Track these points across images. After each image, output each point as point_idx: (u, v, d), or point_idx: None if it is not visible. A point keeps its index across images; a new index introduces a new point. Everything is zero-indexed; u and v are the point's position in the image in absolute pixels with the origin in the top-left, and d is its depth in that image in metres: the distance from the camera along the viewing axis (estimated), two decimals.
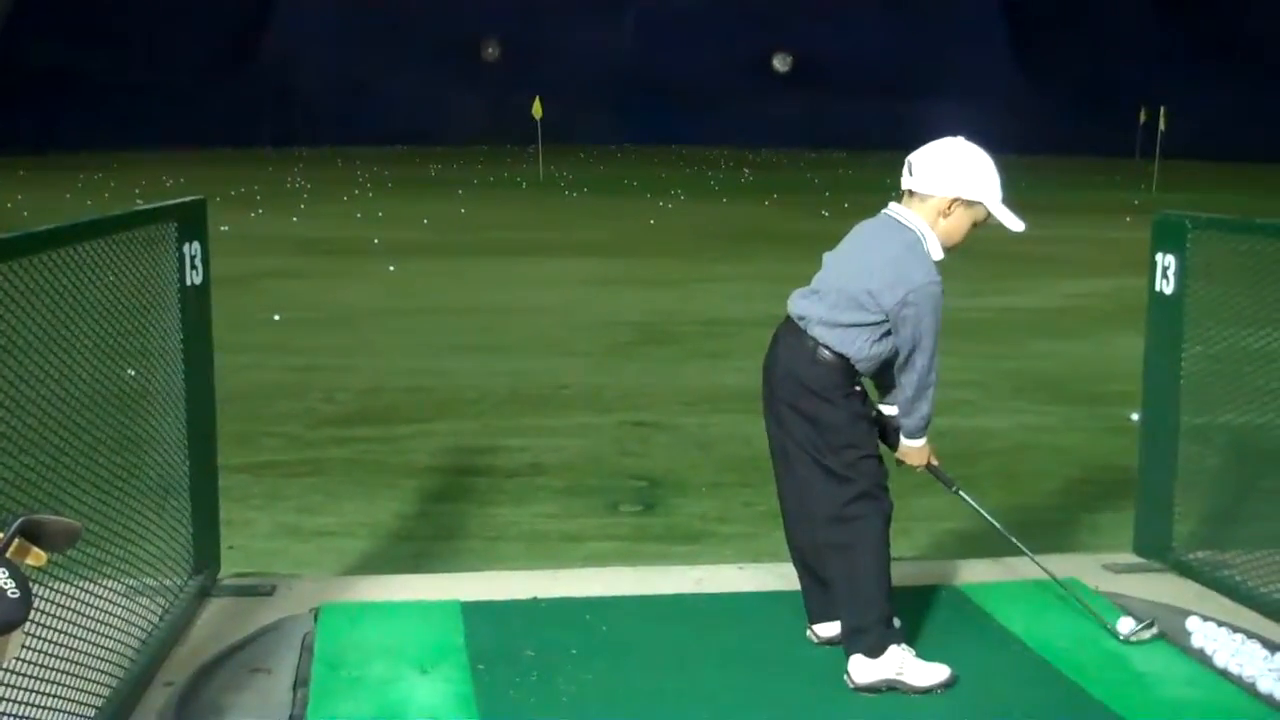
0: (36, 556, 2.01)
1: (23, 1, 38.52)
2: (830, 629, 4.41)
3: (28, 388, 3.53)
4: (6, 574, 1.85)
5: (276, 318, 12.85)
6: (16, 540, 1.96)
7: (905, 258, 4.07)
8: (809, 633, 4.50)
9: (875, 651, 4.11)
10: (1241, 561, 5.06)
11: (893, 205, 4.23)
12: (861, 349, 4.09)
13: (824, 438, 4.13)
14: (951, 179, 4.13)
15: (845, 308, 4.09)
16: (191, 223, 4.77)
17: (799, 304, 4.21)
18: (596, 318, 13.31)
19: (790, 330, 4.21)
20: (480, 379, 10.29)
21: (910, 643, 4.25)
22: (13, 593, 1.83)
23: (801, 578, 4.50)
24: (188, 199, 4.85)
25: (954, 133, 4.29)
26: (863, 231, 4.28)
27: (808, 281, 4.28)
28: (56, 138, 37.50)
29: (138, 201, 23.08)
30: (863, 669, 4.11)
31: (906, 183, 4.19)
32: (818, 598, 4.42)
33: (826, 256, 4.28)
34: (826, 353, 4.11)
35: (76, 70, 38.52)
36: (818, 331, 4.12)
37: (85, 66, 38.69)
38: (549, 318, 13.34)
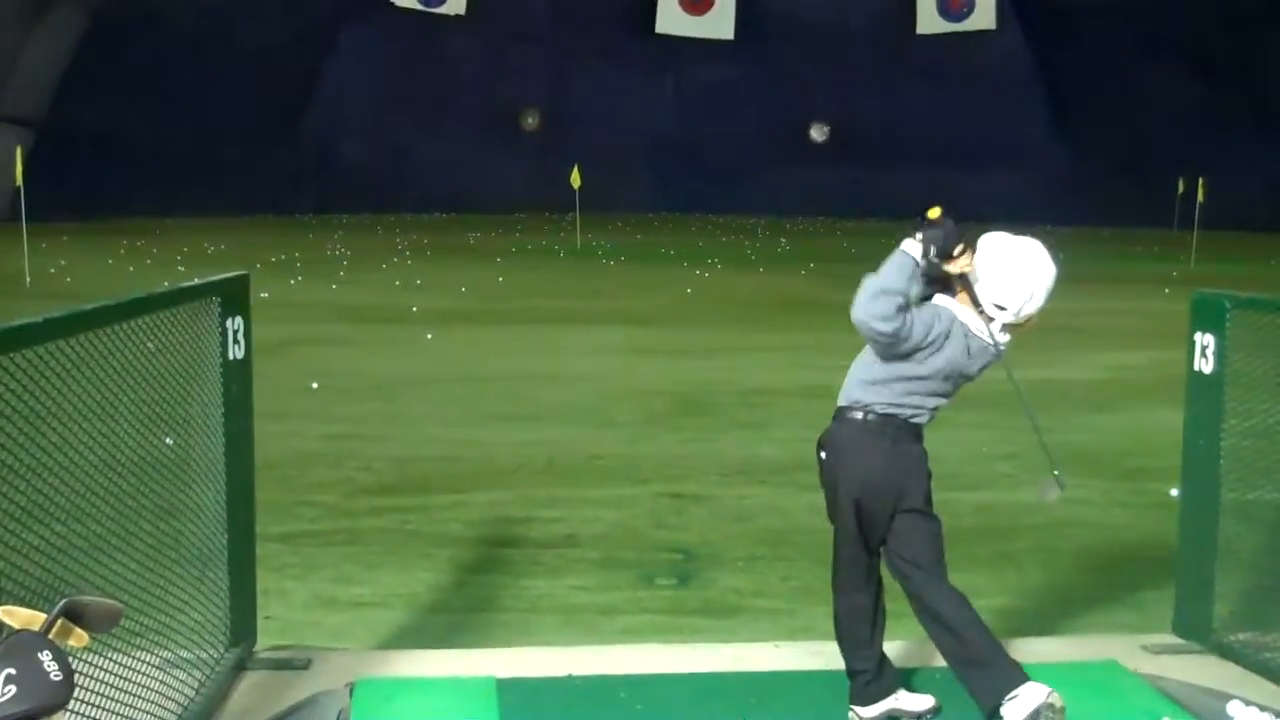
0: (79, 638, 2.02)
1: (69, 68, 39.13)
2: (871, 710, 4.42)
3: (70, 456, 3.57)
4: (50, 656, 1.86)
5: (314, 385, 12.91)
6: (60, 621, 1.97)
7: None
8: (851, 714, 4.49)
9: None
10: None
11: None
12: None
13: None
14: None
15: None
16: (235, 298, 4.83)
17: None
18: (633, 387, 13.32)
19: None
20: (516, 449, 10.30)
21: None
22: (55, 675, 1.84)
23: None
24: (231, 275, 4.91)
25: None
26: None
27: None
28: (100, 203, 37.90)
29: (179, 268, 23.33)
30: None
31: None
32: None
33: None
34: None
35: (121, 136, 39.01)
36: None
37: (130, 133, 39.18)
38: (586, 387, 13.35)
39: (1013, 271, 4.29)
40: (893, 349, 4.20)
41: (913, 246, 4.20)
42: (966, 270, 4.28)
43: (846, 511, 4.35)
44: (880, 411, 4.30)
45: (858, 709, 4.47)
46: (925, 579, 4.33)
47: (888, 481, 4.31)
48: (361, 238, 35.60)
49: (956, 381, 4.36)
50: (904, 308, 4.14)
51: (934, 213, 4.20)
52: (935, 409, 4.41)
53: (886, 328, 4.12)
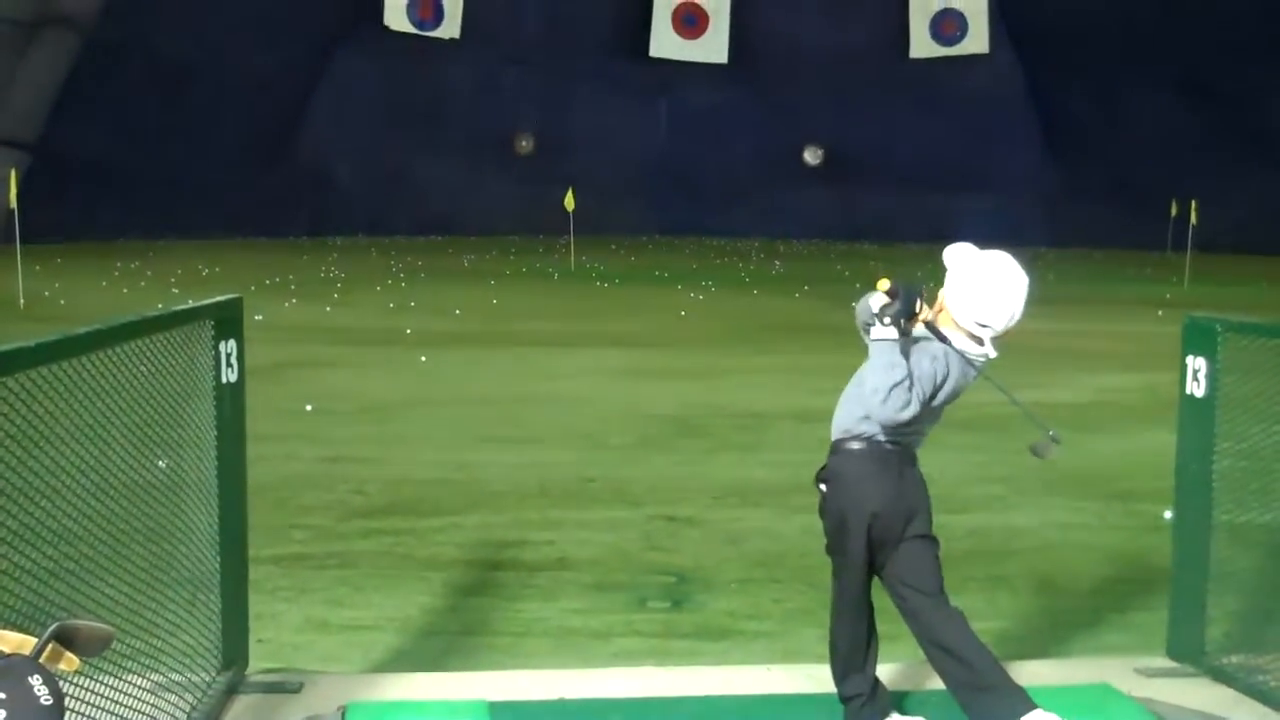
0: (69, 662, 2.03)
1: (63, 91, 39.17)
2: None
3: (63, 479, 3.58)
4: (40, 680, 1.86)
5: (308, 408, 12.91)
6: (50, 645, 1.98)
7: None
8: None
9: None
10: (1277, 666, 5.00)
11: None
12: None
13: None
14: None
15: None
16: (228, 321, 4.83)
17: None
18: (626, 409, 13.32)
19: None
20: (509, 471, 10.30)
21: None
22: (45, 700, 1.84)
23: None
24: (224, 298, 4.92)
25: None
26: None
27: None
28: (94, 225, 37.93)
29: (173, 290, 23.33)
30: None
31: None
32: None
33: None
34: None
35: (115, 159, 39.03)
36: None
37: (124, 156, 39.20)
38: (579, 409, 13.36)
39: (989, 289, 4.31)
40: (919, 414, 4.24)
41: (883, 332, 4.21)
42: (935, 314, 4.33)
43: (859, 542, 4.33)
44: (881, 441, 4.31)
45: None
46: (929, 603, 4.34)
47: (899, 509, 4.33)
48: (355, 260, 35.62)
49: (953, 401, 4.38)
50: (910, 384, 4.16)
51: (883, 285, 4.22)
52: (929, 431, 4.44)
53: (909, 413, 4.16)
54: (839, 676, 4.49)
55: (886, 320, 4.21)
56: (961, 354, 4.29)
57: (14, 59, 37.74)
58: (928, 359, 4.27)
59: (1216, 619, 5.30)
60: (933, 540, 4.40)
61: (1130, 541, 8.37)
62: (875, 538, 4.31)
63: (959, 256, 4.39)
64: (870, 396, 4.17)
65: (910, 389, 4.14)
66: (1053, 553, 8.19)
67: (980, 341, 4.33)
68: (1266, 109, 42.50)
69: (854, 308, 4.40)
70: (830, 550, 4.46)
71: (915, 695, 4.83)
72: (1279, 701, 4.87)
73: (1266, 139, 42.22)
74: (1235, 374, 5.15)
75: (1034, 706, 4.23)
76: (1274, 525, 5.15)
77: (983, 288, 4.32)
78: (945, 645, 4.31)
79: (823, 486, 4.45)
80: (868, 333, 4.26)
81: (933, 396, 4.25)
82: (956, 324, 4.34)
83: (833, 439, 4.41)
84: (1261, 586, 5.43)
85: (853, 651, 4.45)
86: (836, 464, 4.38)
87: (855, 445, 4.34)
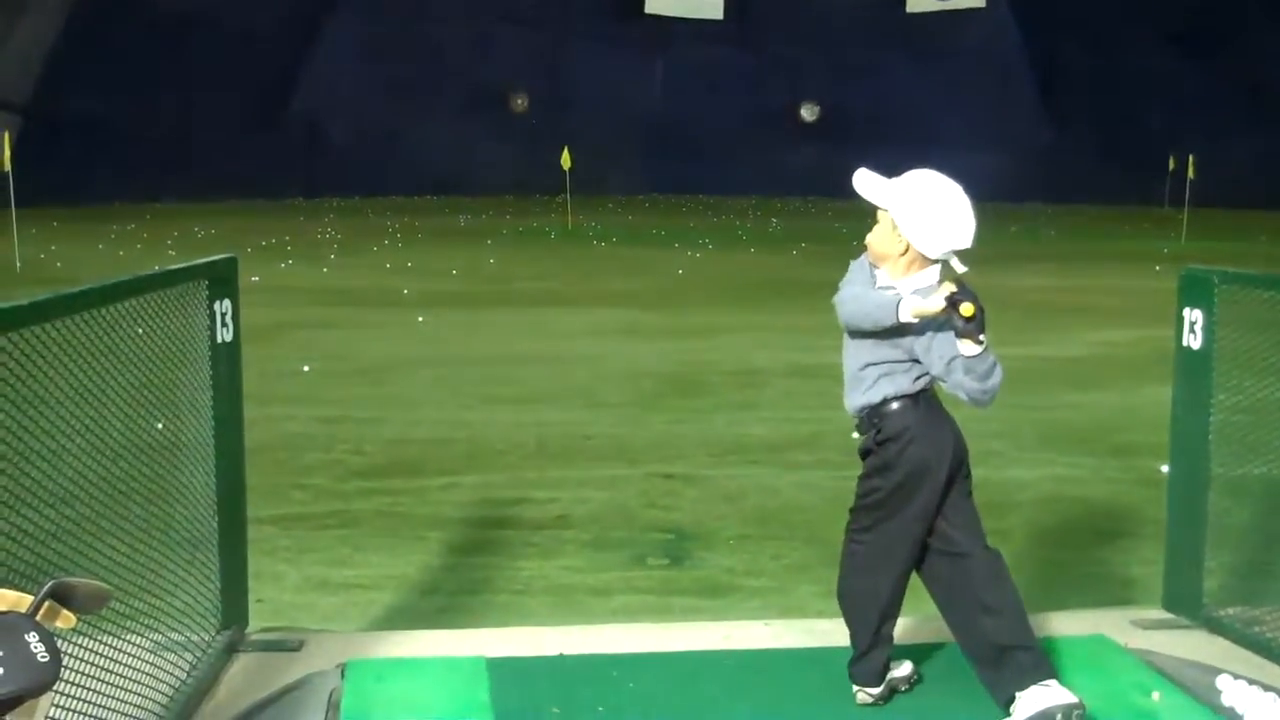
0: (66, 619, 2.02)
1: (56, 54, 39.00)
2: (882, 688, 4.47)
3: (61, 440, 3.58)
4: (37, 637, 1.86)
5: (306, 369, 12.91)
6: (47, 603, 1.97)
7: None
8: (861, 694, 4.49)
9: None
10: (1273, 618, 5.02)
11: None
12: None
13: None
14: None
15: None
16: (222, 281, 4.82)
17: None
18: (624, 368, 13.33)
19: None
20: (508, 430, 10.31)
21: (932, 701, 4.24)
22: (43, 656, 1.84)
23: None
24: (219, 257, 4.90)
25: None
26: None
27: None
28: (89, 188, 37.81)
29: (170, 252, 23.29)
30: None
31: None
32: None
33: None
34: None
35: (109, 122, 38.89)
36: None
37: (118, 118, 39.08)
38: (577, 368, 13.36)
39: (944, 213, 4.19)
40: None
41: (971, 347, 4.09)
42: (906, 268, 4.28)
43: (935, 490, 4.26)
44: (920, 391, 4.27)
45: (869, 689, 4.45)
46: (975, 543, 4.33)
47: (962, 450, 4.33)
48: (351, 221, 35.56)
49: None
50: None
51: (968, 310, 4.01)
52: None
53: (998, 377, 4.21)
54: (874, 627, 4.40)
55: (982, 338, 4.09)
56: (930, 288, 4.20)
57: (6, 20, 37.52)
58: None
59: (1213, 571, 5.31)
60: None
61: (1128, 495, 8.40)
62: (949, 479, 4.28)
63: (876, 189, 4.31)
64: (988, 396, 4.15)
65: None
66: (1050, 506, 8.22)
67: (944, 262, 4.26)
68: (1266, 63, 42.36)
69: (850, 299, 4.27)
70: (886, 504, 4.31)
71: (922, 648, 4.84)
72: (1275, 652, 4.89)
73: (1265, 93, 42.13)
74: (1232, 327, 5.14)
75: (1054, 676, 4.19)
76: (1270, 478, 5.16)
77: (938, 215, 4.20)
78: (986, 598, 4.27)
79: (882, 444, 4.28)
80: (875, 325, 4.18)
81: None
82: (927, 259, 4.24)
83: (869, 405, 4.33)
84: (1257, 539, 5.45)
85: (892, 605, 4.39)
86: (901, 419, 4.27)
87: (898, 403, 4.25)
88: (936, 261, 4.25)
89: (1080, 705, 4.12)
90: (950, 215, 4.19)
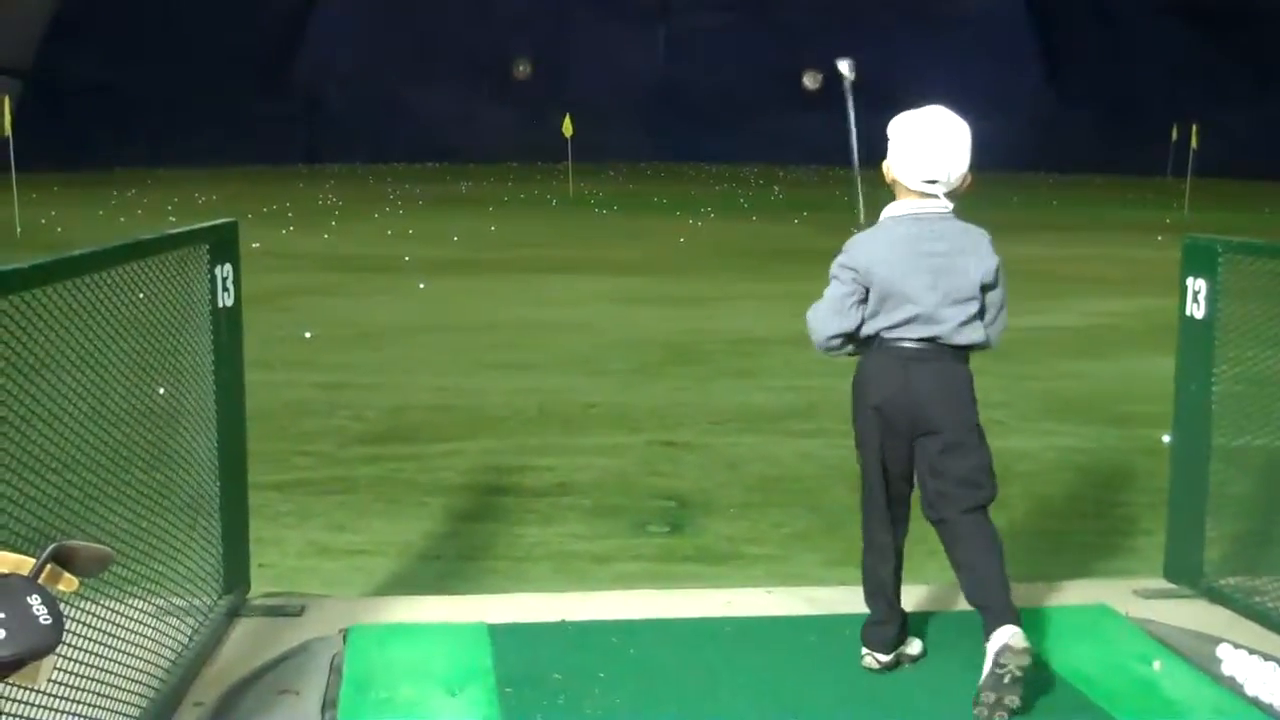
0: (68, 582, 2.02)
1: (57, 19, 38.87)
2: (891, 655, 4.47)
3: (62, 405, 3.57)
4: (40, 600, 1.85)
5: (307, 335, 12.90)
6: (49, 566, 1.97)
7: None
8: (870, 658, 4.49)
9: None
10: (1274, 588, 5.03)
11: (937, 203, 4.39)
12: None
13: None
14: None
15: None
16: (223, 245, 4.80)
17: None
18: (626, 336, 13.32)
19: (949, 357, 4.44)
20: (509, 397, 10.30)
21: (935, 670, 4.24)
22: (45, 619, 1.83)
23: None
24: (219, 221, 4.89)
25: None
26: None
27: None
28: (90, 154, 37.74)
29: (170, 218, 23.25)
30: None
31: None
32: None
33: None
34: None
35: (110, 87, 38.81)
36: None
37: (119, 84, 38.98)
38: (578, 336, 13.35)
39: (914, 145, 4.35)
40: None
41: None
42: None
43: (888, 435, 4.37)
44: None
45: (879, 655, 4.46)
46: (951, 509, 4.37)
47: (919, 404, 4.48)
48: (352, 187, 35.49)
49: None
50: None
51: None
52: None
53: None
54: (882, 584, 4.46)
55: None
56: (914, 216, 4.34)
57: None
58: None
59: (1214, 541, 5.31)
60: None
61: (1130, 465, 8.40)
62: (906, 433, 4.41)
63: (896, 127, 4.47)
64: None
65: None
66: (1052, 476, 8.21)
67: (930, 195, 4.34)
68: (1270, 32, 42.17)
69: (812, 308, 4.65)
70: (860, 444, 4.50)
71: (937, 616, 4.84)
72: (1275, 622, 4.89)
73: (1269, 63, 41.95)
74: (1235, 297, 5.12)
75: (1015, 623, 4.17)
76: (1272, 449, 5.15)
77: (909, 147, 4.36)
78: (958, 555, 4.34)
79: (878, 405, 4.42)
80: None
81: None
82: (908, 189, 4.38)
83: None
84: (1259, 509, 5.44)
85: (883, 552, 4.45)
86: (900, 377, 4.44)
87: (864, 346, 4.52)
88: (919, 191, 4.37)
89: (1027, 651, 4.08)
90: (917, 148, 4.36)
